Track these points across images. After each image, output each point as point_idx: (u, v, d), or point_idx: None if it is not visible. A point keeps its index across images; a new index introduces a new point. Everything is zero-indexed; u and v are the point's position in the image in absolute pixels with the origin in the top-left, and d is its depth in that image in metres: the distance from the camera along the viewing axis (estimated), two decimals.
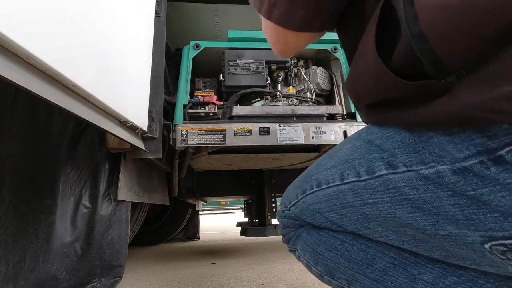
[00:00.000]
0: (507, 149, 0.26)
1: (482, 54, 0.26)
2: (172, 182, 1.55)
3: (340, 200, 0.43)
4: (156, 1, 1.14)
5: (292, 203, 0.54)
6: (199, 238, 3.47)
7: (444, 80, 0.28)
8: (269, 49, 1.41)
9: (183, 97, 1.28)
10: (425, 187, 0.32)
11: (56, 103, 0.54)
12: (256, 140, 1.21)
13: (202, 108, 1.29)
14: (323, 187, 0.46)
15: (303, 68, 1.43)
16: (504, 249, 0.29)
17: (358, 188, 0.40)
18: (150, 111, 1.03)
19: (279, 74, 1.41)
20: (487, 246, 0.30)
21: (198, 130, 1.20)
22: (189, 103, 1.28)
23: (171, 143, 1.21)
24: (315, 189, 0.48)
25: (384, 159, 0.37)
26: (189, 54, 1.37)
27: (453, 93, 0.28)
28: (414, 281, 0.39)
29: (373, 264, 0.43)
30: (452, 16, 0.26)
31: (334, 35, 1.47)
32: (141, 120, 0.94)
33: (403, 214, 0.35)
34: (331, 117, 1.33)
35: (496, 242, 0.29)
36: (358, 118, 1.30)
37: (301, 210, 0.52)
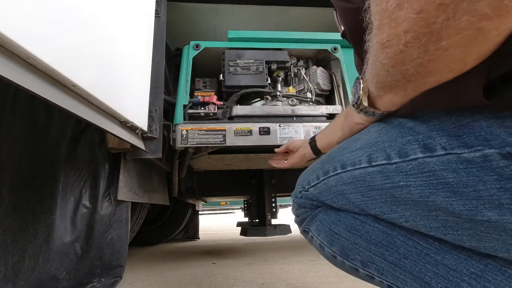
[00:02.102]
0: None
1: None
2: (172, 182, 1.55)
3: (367, 182, 0.42)
4: (156, 1, 1.14)
5: (312, 184, 0.53)
6: (198, 238, 3.48)
7: None
8: (269, 49, 1.42)
9: (183, 97, 1.28)
10: (466, 170, 0.32)
11: (56, 103, 0.53)
12: (256, 140, 1.21)
13: (202, 108, 1.29)
14: (349, 169, 0.45)
15: (303, 68, 1.43)
16: None
17: (388, 171, 0.39)
18: (150, 111, 1.03)
19: (279, 74, 1.41)
20: None
21: (198, 130, 1.20)
22: (189, 103, 1.28)
23: (171, 143, 1.21)
24: (339, 171, 0.47)
25: (419, 141, 0.36)
26: (189, 54, 1.37)
27: None
28: (436, 266, 0.38)
29: (394, 247, 0.42)
30: None
31: (333, 35, 1.48)
32: (141, 120, 0.94)
33: (438, 198, 0.34)
34: (331, 117, 1.33)
35: None
36: None
37: (321, 191, 0.51)
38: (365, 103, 0.44)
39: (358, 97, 0.45)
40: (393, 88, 0.36)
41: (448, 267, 0.38)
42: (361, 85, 0.44)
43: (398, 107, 0.40)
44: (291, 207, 0.63)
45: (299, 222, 0.59)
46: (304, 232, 0.58)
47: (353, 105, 0.47)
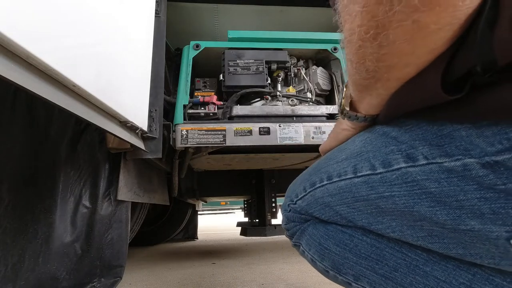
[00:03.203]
0: None
1: None
2: (172, 182, 1.55)
3: (353, 193, 0.42)
4: (156, 1, 1.14)
5: (299, 196, 0.52)
6: (197, 238, 3.48)
7: (487, 75, 0.28)
8: (269, 49, 1.42)
9: (183, 97, 1.28)
10: (448, 180, 0.32)
11: (56, 103, 0.54)
12: (256, 140, 1.21)
13: (202, 108, 1.29)
14: (334, 180, 0.45)
15: (303, 68, 1.43)
16: None
17: (372, 181, 0.39)
18: (150, 111, 1.03)
19: (279, 74, 1.41)
20: None
21: (198, 130, 1.20)
22: (189, 103, 1.28)
23: (171, 143, 1.21)
24: (325, 182, 0.47)
25: (402, 151, 0.36)
26: (189, 54, 1.37)
27: (494, 86, 0.28)
28: (426, 278, 0.38)
29: (383, 260, 0.42)
30: None
31: (333, 35, 1.48)
32: (141, 120, 0.94)
33: (422, 207, 0.34)
34: (331, 117, 1.33)
35: None
36: None
37: (309, 203, 0.51)
38: (347, 108, 0.46)
39: (341, 102, 0.47)
40: (367, 88, 0.38)
41: (437, 278, 0.38)
42: (344, 91, 0.46)
43: (378, 110, 0.41)
44: (281, 221, 0.62)
45: (289, 236, 0.59)
46: (295, 246, 0.58)
47: (338, 110, 0.49)
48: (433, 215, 0.34)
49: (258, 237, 2.14)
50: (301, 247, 0.55)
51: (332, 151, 0.50)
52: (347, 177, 0.43)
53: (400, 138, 0.37)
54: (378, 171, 0.38)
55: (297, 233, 0.56)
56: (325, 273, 0.51)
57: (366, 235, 0.45)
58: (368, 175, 0.40)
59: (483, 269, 0.35)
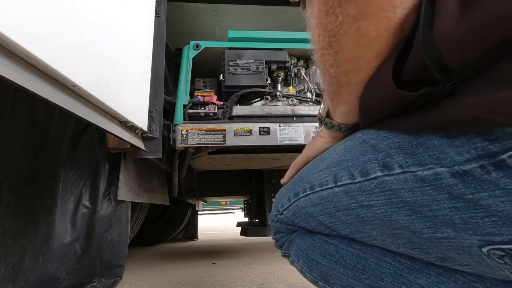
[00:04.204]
0: (510, 153, 0.26)
1: (489, 59, 0.26)
2: (172, 182, 1.55)
3: (334, 203, 0.42)
4: (156, 1, 1.14)
5: (285, 206, 0.53)
6: (197, 238, 3.49)
7: (449, 84, 0.28)
8: (269, 49, 1.42)
9: (183, 97, 1.28)
10: (421, 189, 0.32)
11: (56, 103, 0.54)
12: (256, 140, 1.21)
13: (202, 108, 1.29)
14: (317, 189, 0.45)
15: (303, 68, 1.43)
16: (502, 253, 0.29)
17: (352, 190, 0.39)
18: (150, 111, 1.03)
19: (279, 74, 1.41)
20: (484, 250, 0.29)
21: (198, 130, 1.20)
22: (189, 103, 1.28)
23: (171, 143, 1.21)
24: (308, 192, 0.47)
25: (379, 160, 0.36)
26: (189, 54, 1.37)
27: (457, 95, 0.28)
28: (410, 286, 0.39)
29: (369, 270, 0.43)
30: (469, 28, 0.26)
31: None
32: (141, 120, 0.94)
33: (400, 216, 0.35)
34: None
35: (494, 247, 0.29)
36: None
37: (294, 213, 0.51)
38: (324, 115, 0.48)
39: (319, 111, 0.50)
40: (335, 94, 0.41)
41: (421, 286, 0.38)
42: (324, 101, 0.49)
43: (350, 118, 0.44)
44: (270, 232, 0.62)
45: (278, 246, 0.60)
46: (284, 256, 0.58)
47: (317, 118, 0.51)
48: (411, 223, 0.34)
49: (258, 237, 2.14)
50: (290, 257, 0.56)
51: (314, 160, 0.51)
52: (328, 186, 0.43)
53: (378, 147, 0.37)
54: (357, 180, 0.38)
55: (285, 244, 0.57)
56: (315, 283, 0.52)
57: (350, 246, 0.45)
58: (348, 184, 0.40)
59: (464, 275, 0.36)
